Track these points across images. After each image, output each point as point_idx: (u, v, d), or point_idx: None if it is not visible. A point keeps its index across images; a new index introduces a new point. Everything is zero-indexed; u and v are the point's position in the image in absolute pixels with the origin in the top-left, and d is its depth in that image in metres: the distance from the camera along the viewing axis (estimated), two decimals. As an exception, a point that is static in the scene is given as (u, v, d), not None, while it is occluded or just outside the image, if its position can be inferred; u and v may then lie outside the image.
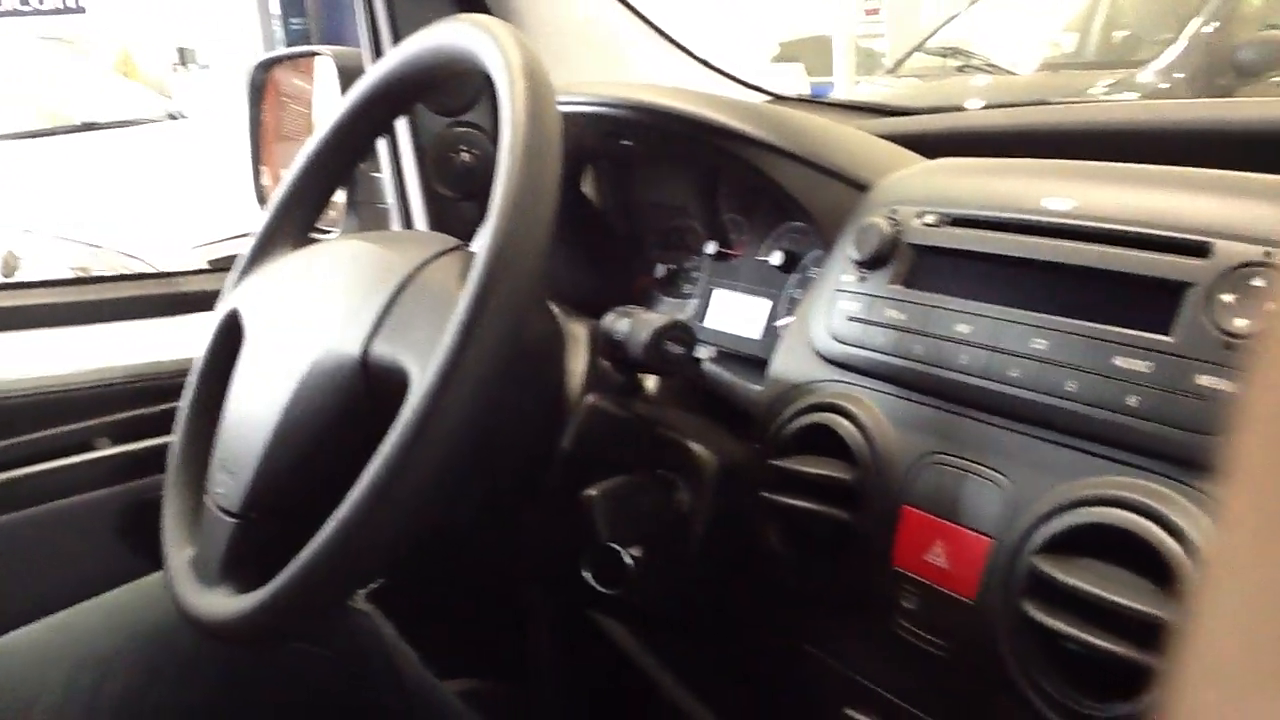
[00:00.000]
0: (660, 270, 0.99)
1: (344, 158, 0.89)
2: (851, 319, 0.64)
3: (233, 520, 0.75)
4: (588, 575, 0.71)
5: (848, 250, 0.66)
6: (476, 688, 1.39)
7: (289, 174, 0.90)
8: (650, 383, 0.80)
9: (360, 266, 0.77)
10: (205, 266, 2.64)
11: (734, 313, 0.92)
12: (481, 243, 0.61)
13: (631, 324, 0.71)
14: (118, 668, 0.90)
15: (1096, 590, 0.47)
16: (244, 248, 0.90)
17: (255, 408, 0.75)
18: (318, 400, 0.72)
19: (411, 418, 0.61)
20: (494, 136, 1.18)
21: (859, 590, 0.60)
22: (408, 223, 1.20)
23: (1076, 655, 0.49)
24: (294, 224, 0.90)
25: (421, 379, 0.61)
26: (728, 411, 0.80)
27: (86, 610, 0.96)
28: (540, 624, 1.39)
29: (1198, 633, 0.20)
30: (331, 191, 0.91)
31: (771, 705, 0.67)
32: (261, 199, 1.33)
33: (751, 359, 0.85)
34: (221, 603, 0.73)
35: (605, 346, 0.74)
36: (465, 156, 1.16)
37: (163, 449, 1.13)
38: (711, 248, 0.95)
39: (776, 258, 0.86)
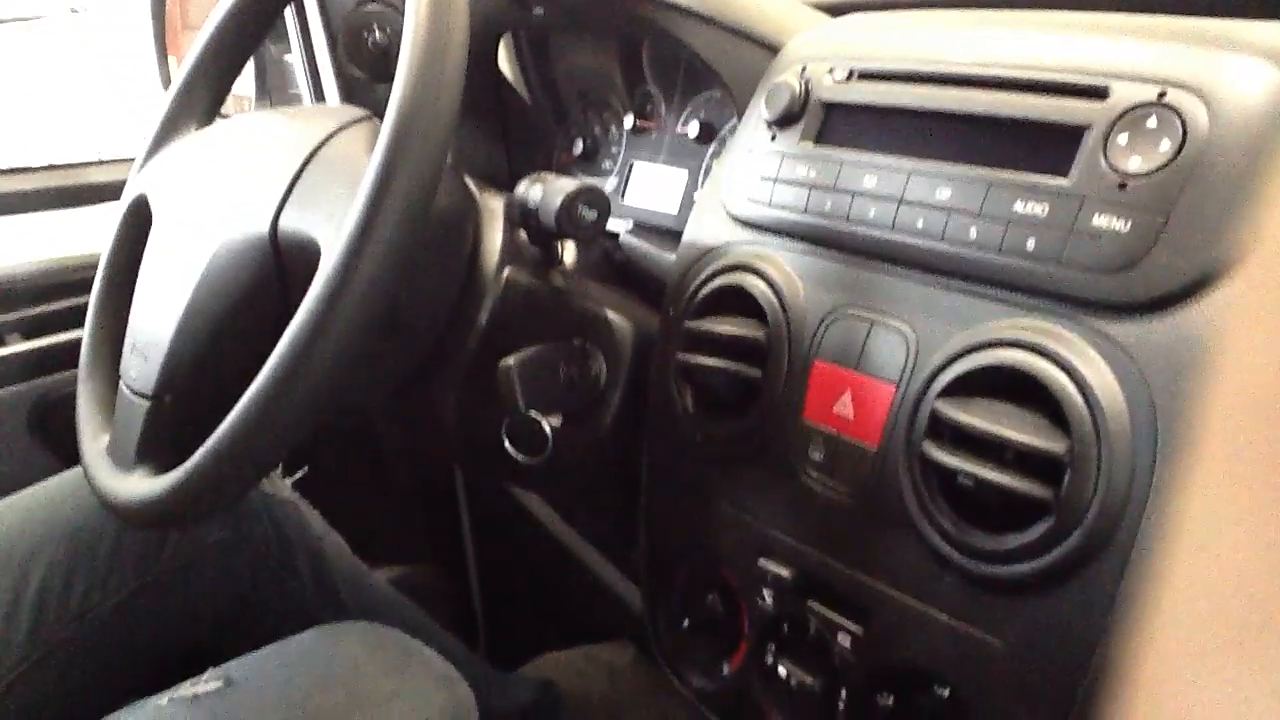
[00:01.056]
0: (579, 146, 0.98)
1: (247, 33, 0.86)
2: (763, 179, 0.64)
3: (146, 402, 0.74)
4: (508, 446, 0.72)
5: (759, 111, 0.65)
6: (405, 574, 1.40)
7: (191, 51, 0.87)
8: (568, 256, 0.80)
9: (266, 140, 0.75)
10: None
11: (653, 186, 0.91)
12: (389, 110, 0.60)
13: (544, 190, 0.70)
14: (37, 566, 0.89)
15: (990, 427, 0.48)
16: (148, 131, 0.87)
17: (165, 289, 0.74)
18: (228, 277, 0.70)
19: (324, 286, 0.60)
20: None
21: (771, 445, 0.61)
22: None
23: (972, 492, 0.50)
24: (198, 104, 0.87)
25: (333, 247, 0.60)
26: (644, 283, 0.81)
27: (1, 510, 0.95)
28: (463, 506, 1.40)
29: (1166, 602, 0.20)
30: (237, 69, 0.88)
31: (688, 564, 0.69)
32: (166, 85, 1.29)
33: (669, 232, 0.85)
34: (138, 485, 0.72)
35: (519, 215, 0.73)
36: (378, 36, 1.12)
37: (74, 344, 1.11)
38: (630, 121, 0.94)
39: (694, 129, 0.85)
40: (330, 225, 0.63)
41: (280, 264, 0.68)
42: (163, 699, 0.73)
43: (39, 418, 1.09)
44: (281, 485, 1.03)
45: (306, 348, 0.61)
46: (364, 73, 1.13)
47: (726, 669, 0.67)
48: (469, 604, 1.45)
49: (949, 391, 0.51)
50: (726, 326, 0.63)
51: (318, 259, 0.62)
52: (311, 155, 0.68)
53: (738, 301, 0.64)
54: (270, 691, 0.72)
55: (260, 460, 0.65)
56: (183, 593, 0.95)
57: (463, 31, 0.63)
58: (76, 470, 0.95)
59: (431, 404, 0.79)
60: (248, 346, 0.72)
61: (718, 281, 0.65)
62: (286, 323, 0.64)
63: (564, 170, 1.01)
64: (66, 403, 1.09)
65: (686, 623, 0.70)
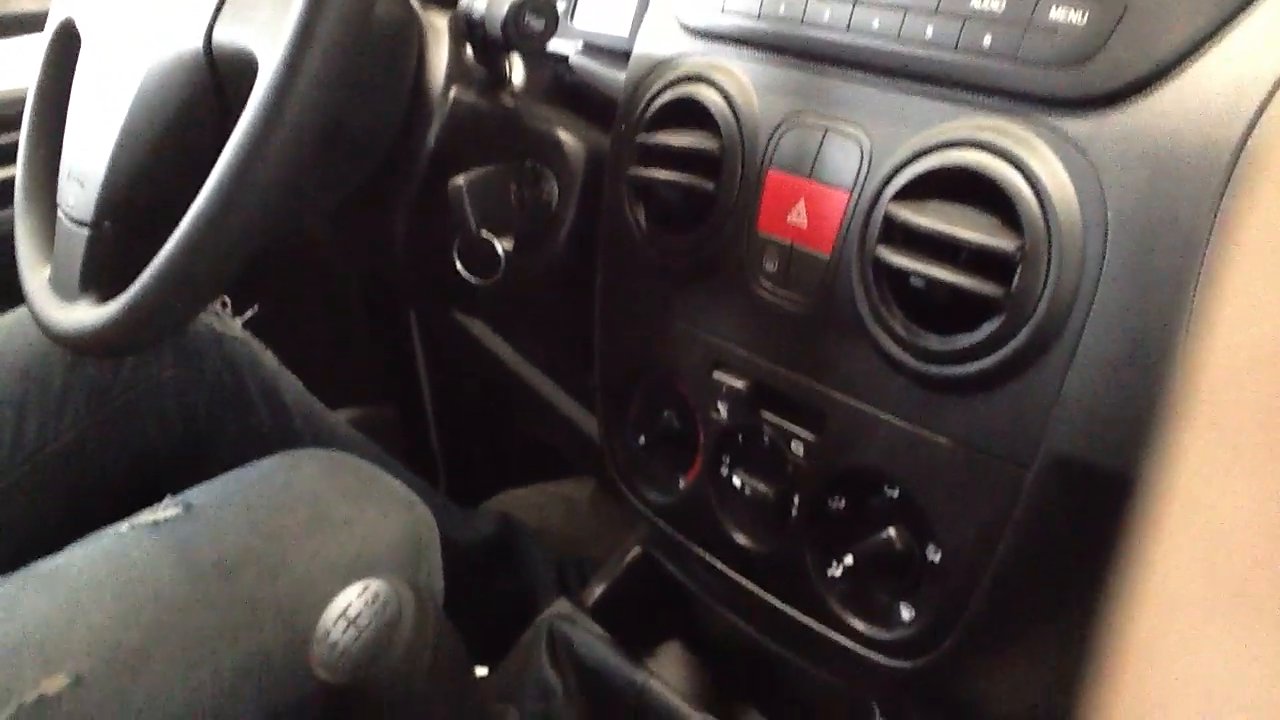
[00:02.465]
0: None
1: None
2: (716, -15, 0.62)
3: (86, 230, 0.72)
4: (460, 267, 0.71)
5: (711, -86, 0.63)
6: (361, 415, 1.41)
7: None
8: (516, 77, 0.77)
9: None
10: None
11: (604, 5, 0.88)
12: None
13: (489, 0, 0.68)
14: (-17, 407, 0.88)
15: (942, 227, 0.48)
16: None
17: (98, 114, 0.71)
18: (163, 97, 0.68)
19: (262, 101, 0.58)
20: None
21: (724, 258, 0.61)
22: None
23: (923, 295, 0.51)
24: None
25: (269, 59, 0.58)
26: (595, 107, 0.79)
27: (-55, 350, 0.93)
28: (416, 344, 1.40)
29: (1157, 563, 0.19)
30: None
31: (643, 382, 0.69)
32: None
33: (621, 53, 0.82)
34: (84, 315, 0.71)
35: (465, 29, 0.71)
36: None
37: (5, 182, 1.07)
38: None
39: (645, -57, 0.82)
40: (265, 37, 0.60)
41: (217, 81, 0.65)
42: (122, 526, 0.73)
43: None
44: (232, 324, 1.02)
45: (245, 167, 0.59)
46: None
47: (682, 483, 0.68)
48: (427, 444, 1.47)
49: (902, 195, 0.51)
50: (679, 138, 0.62)
51: (254, 74, 0.60)
52: None
53: (690, 115, 0.62)
54: (230, 515, 0.73)
55: (204, 284, 0.64)
56: (137, 428, 0.95)
57: None
58: (21, 309, 0.93)
59: (380, 228, 0.78)
60: (187, 168, 0.69)
61: (670, 94, 0.63)
62: (225, 142, 0.62)
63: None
64: (5, 242, 1.06)
65: (642, 440, 0.71)
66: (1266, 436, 0.18)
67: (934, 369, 0.51)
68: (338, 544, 0.73)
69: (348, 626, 0.54)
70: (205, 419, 0.97)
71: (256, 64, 0.60)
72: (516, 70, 0.78)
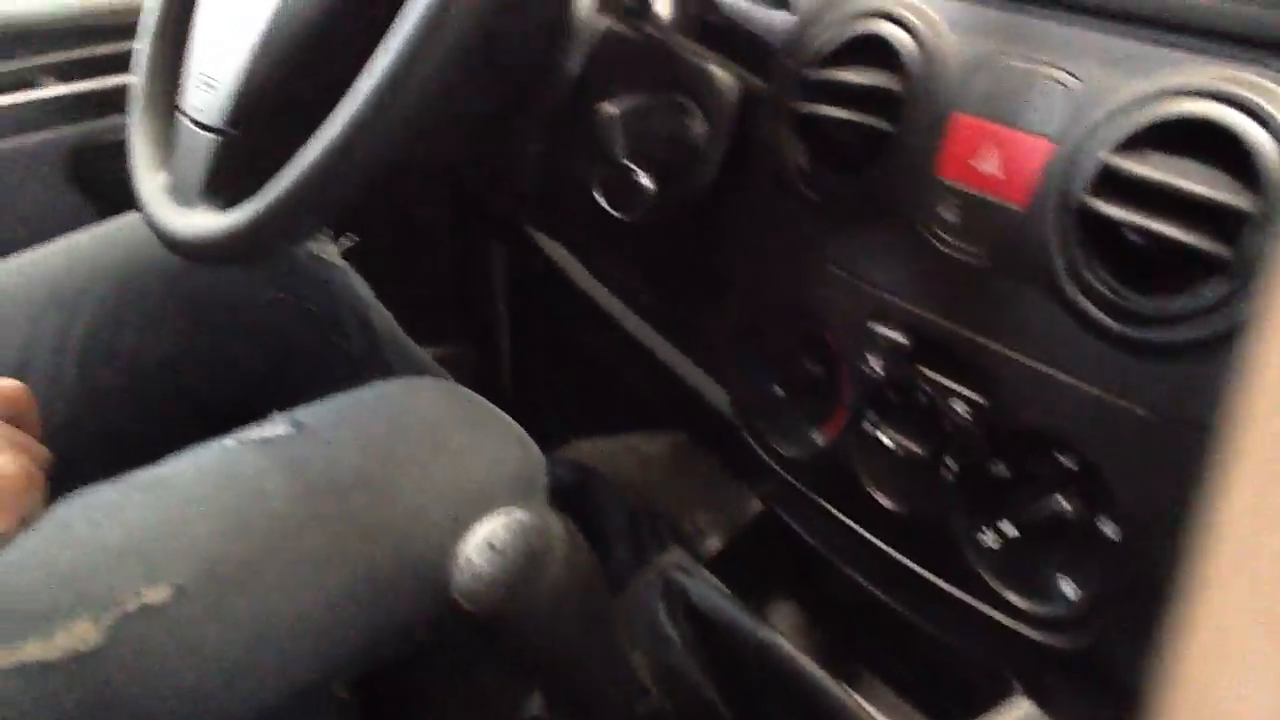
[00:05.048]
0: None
1: None
2: (906, -89, 0.58)
3: (213, 136, 0.70)
4: (600, 198, 0.68)
5: None
6: (438, 354, 1.39)
7: None
8: (662, 8, 0.74)
9: None
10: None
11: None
12: None
13: None
14: (84, 308, 0.87)
15: (1170, 179, 0.45)
16: None
17: (236, 14, 0.69)
18: (306, 2, 0.66)
19: (418, 13, 0.56)
20: None
21: (895, 204, 0.58)
22: None
23: (1132, 252, 0.47)
24: None
25: None
26: (744, 49, 0.76)
27: (48, 253, 0.92)
28: (499, 285, 1.38)
29: (1212, 592, 0.19)
30: None
31: (784, 327, 0.67)
32: None
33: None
34: (203, 221, 0.69)
35: None
36: None
37: (113, 90, 1.06)
38: None
39: None
40: None
41: None
42: (228, 441, 0.72)
43: (76, 165, 1.04)
44: (330, 250, 1.01)
45: (397, 76, 0.57)
46: None
47: (819, 438, 0.65)
48: (498, 387, 1.45)
49: (1120, 146, 0.48)
50: (859, 75, 0.58)
51: None
52: None
53: (865, 52, 0.59)
54: (343, 436, 0.71)
55: (332, 201, 0.61)
56: (232, 347, 0.93)
57: None
58: (124, 217, 0.92)
59: (511, 153, 0.75)
60: (325, 79, 0.67)
61: (850, 30, 0.60)
62: (369, 52, 0.60)
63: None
64: (108, 151, 1.04)
65: (778, 390, 0.68)
66: None
67: (1138, 332, 0.48)
68: (453, 472, 0.71)
69: (493, 555, 0.52)
70: (300, 344, 0.96)
71: None
72: (662, 2, 0.75)
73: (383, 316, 1.03)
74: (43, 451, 0.67)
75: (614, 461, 1.28)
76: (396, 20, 0.57)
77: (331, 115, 0.60)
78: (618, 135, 0.65)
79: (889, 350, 0.59)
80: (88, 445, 0.84)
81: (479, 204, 1.23)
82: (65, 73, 1.05)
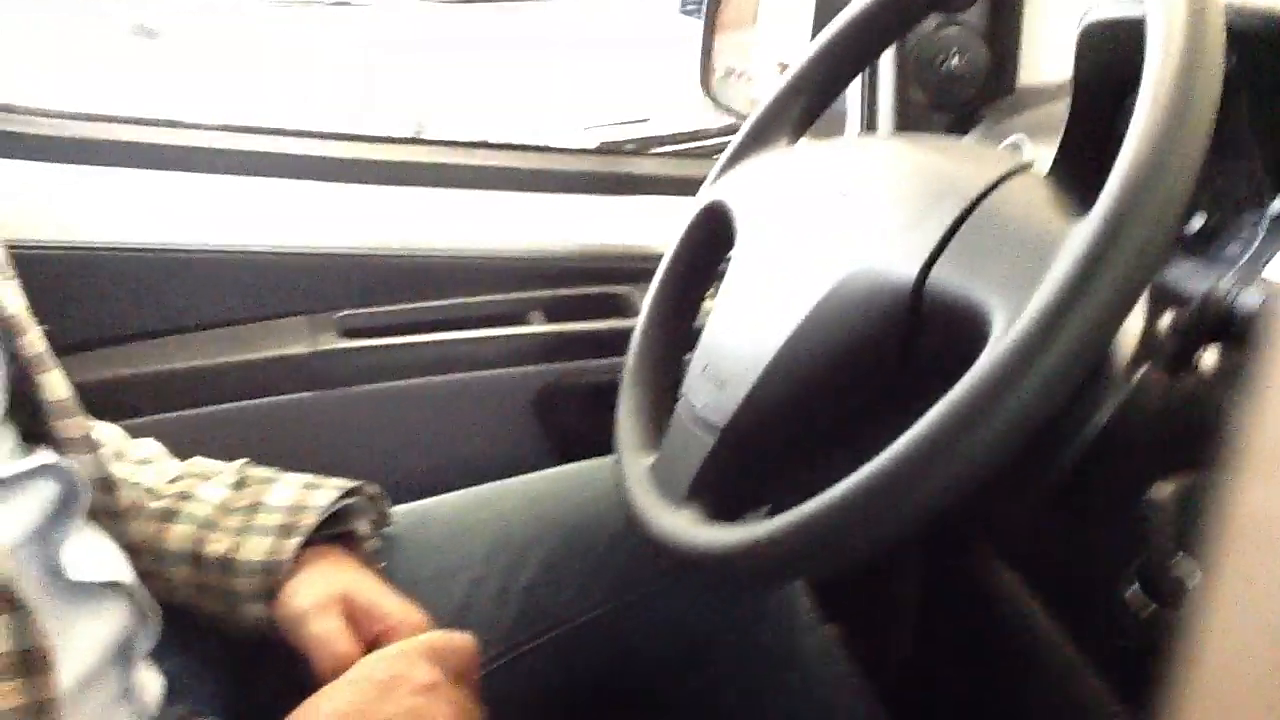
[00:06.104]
0: (1196, 222, 0.83)
1: (864, 47, 0.79)
2: None
3: (713, 435, 0.68)
4: (1136, 591, 0.60)
5: None
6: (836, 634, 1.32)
7: (796, 63, 0.82)
8: (1209, 357, 0.66)
9: (904, 175, 0.67)
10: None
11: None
12: (1115, 173, 0.50)
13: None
14: (531, 557, 0.88)
15: None
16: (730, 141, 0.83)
17: (759, 315, 0.68)
18: (842, 320, 0.63)
19: (998, 364, 0.51)
20: (990, 38, 1.05)
21: None
22: (870, 128, 1.10)
23: None
24: (791, 118, 0.82)
25: (1012, 323, 0.51)
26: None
27: (507, 490, 0.95)
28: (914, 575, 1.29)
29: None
30: (840, 87, 0.82)
31: None
32: (706, 88, 1.26)
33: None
34: (699, 531, 0.66)
35: (1161, 299, 0.62)
36: (954, 61, 1.03)
37: (588, 334, 1.11)
38: (1278, 206, 0.78)
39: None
40: (1004, 297, 0.53)
41: (915, 319, 0.59)
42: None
43: (546, 402, 1.09)
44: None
45: (958, 431, 0.52)
46: (928, 98, 1.05)
47: None
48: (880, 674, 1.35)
49: None
50: None
51: (968, 325, 0.54)
52: (973, 206, 0.59)
53: None
54: None
55: (871, 535, 0.55)
56: (651, 611, 0.91)
57: (1216, 83, 0.52)
58: (581, 464, 0.94)
59: (994, 516, 0.69)
60: (839, 397, 0.64)
61: None
62: (895, 381, 0.56)
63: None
64: (573, 394, 1.09)
65: None
66: None
67: None
68: None
69: None
70: (727, 621, 0.92)
71: (977, 318, 0.54)
72: (1210, 351, 0.67)
73: (800, 597, 0.97)
74: (476, 715, 0.67)
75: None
76: (975, 366, 0.52)
77: (893, 445, 0.54)
78: (1169, 524, 0.56)
79: None
80: (512, 696, 0.83)
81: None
82: (549, 309, 1.12)
